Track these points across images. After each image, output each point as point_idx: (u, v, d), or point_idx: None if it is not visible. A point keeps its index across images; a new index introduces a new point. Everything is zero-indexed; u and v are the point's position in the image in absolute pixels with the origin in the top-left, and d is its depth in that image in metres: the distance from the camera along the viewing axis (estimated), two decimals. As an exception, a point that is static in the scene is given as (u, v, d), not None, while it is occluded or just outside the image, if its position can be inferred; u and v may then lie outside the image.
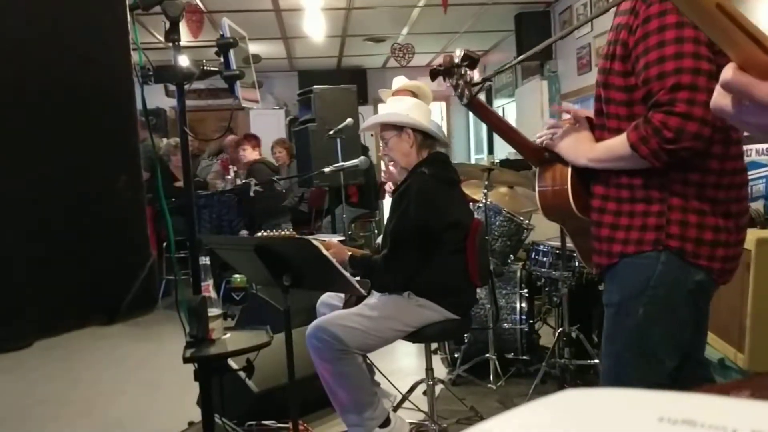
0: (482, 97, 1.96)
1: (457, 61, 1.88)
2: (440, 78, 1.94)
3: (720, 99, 0.75)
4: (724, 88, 0.72)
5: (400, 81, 3.05)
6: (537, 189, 1.96)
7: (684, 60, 1.57)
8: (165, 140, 6.89)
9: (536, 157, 1.96)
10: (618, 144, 1.70)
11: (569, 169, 1.86)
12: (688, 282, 1.70)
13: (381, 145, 2.97)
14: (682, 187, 1.67)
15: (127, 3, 0.84)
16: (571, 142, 1.85)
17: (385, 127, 2.88)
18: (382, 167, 3.10)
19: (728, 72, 0.71)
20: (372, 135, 8.52)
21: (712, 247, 1.67)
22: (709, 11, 0.66)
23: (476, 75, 1.93)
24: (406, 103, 2.92)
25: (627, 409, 0.34)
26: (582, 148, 1.83)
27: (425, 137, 2.90)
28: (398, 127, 2.86)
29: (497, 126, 2.04)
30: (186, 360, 2.15)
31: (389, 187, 3.14)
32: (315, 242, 2.23)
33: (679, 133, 1.55)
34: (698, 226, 1.66)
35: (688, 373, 1.83)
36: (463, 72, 1.88)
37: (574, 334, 3.57)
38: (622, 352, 1.79)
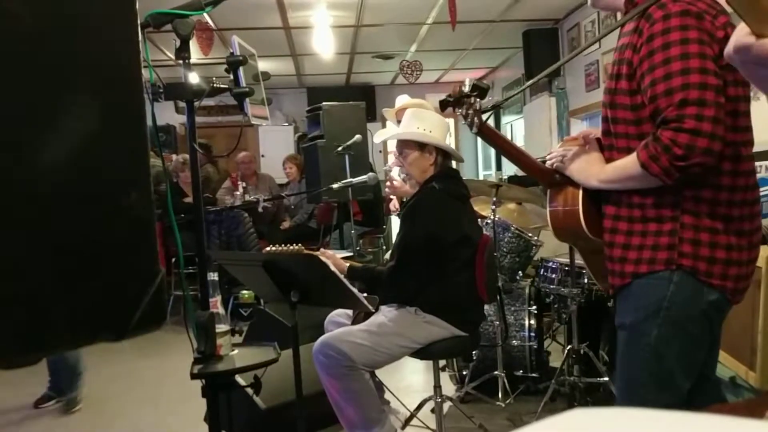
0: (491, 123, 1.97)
1: (466, 90, 1.89)
2: (452, 109, 1.96)
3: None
4: (739, 52, 0.73)
5: (403, 99, 3.05)
6: (548, 211, 1.96)
7: (691, 75, 1.56)
8: (174, 156, 6.93)
9: (546, 179, 1.96)
10: (628, 164, 1.69)
11: (580, 191, 1.85)
12: (702, 302, 1.68)
13: (395, 156, 2.96)
14: (694, 205, 1.66)
15: (139, 21, 0.85)
16: (581, 164, 1.85)
17: (407, 143, 2.88)
18: (387, 185, 3.09)
19: (744, 40, 0.73)
20: (380, 151, 8.54)
21: (725, 265, 1.66)
22: None
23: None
24: (429, 120, 2.91)
25: (634, 429, 0.34)
26: (592, 170, 1.82)
27: (444, 156, 2.91)
28: (421, 145, 2.86)
29: (507, 150, 2.05)
30: (193, 376, 2.14)
31: (394, 206, 3.14)
32: (323, 258, 2.23)
33: (689, 150, 1.55)
34: (711, 244, 1.65)
35: (701, 392, 1.81)
36: (472, 101, 1.89)
37: (583, 352, 3.54)
38: (636, 374, 1.77)
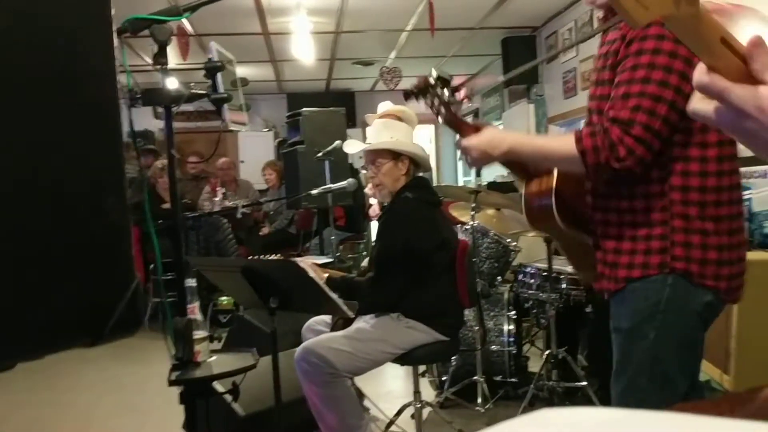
0: (470, 120, 1.97)
1: (432, 81, 1.91)
2: (415, 100, 1.97)
3: (697, 103, 0.76)
4: (701, 90, 0.73)
5: (386, 105, 3.07)
6: (522, 199, 1.98)
7: (649, 86, 1.61)
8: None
9: (523, 171, 1.98)
10: (562, 144, 1.73)
11: (554, 181, 1.87)
12: (697, 303, 1.70)
13: (369, 167, 2.97)
14: (683, 208, 1.68)
15: (115, 26, 0.85)
16: (485, 137, 1.86)
17: (381, 153, 2.89)
18: (367, 189, 3.11)
19: (703, 75, 0.72)
20: (360, 157, 8.54)
21: (718, 266, 1.68)
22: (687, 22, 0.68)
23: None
24: (400, 130, 2.93)
25: (599, 428, 0.35)
26: (504, 136, 1.85)
27: (416, 165, 2.93)
28: (395, 154, 2.87)
29: None
30: (171, 383, 2.13)
31: (374, 211, 3.16)
32: (301, 264, 2.23)
33: (629, 154, 1.60)
34: (702, 246, 1.67)
35: (687, 394, 1.83)
36: (439, 92, 1.90)
37: (561, 356, 3.57)
38: (635, 377, 1.78)
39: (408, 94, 1.97)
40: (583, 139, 1.66)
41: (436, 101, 1.91)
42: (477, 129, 1.91)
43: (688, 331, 1.73)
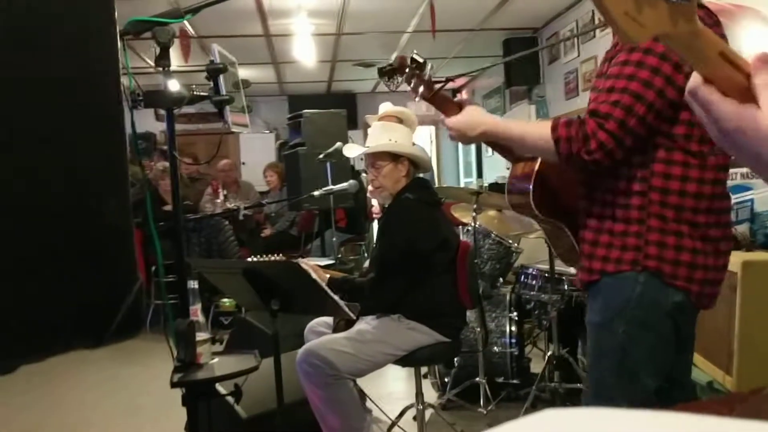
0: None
1: (409, 61, 1.93)
2: (388, 79, 1.98)
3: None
4: (690, 98, 0.73)
5: (386, 106, 3.07)
6: (507, 184, 2.01)
7: (633, 83, 1.63)
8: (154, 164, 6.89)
9: (510, 153, 2.00)
10: (538, 131, 1.74)
11: (536, 168, 1.89)
12: (667, 303, 1.72)
13: (369, 170, 2.97)
14: (660, 209, 1.70)
15: (118, 28, 0.85)
16: (464, 117, 1.88)
17: (381, 155, 2.89)
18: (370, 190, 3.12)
19: (693, 84, 0.72)
20: (362, 159, 8.53)
21: (690, 269, 1.69)
22: (685, 40, 0.67)
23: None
24: (396, 131, 2.93)
25: (603, 428, 0.35)
26: (483, 119, 1.86)
27: (415, 166, 2.94)
28: (395, 156, 2.88)
29: None
30: (173, 384, 2.13)
31: (376, 209, 3.17)
32: (304, 266, 2.23)
33: (601, 147, 1.63)
34: (676, 247, 1.69)
35: (672, 395, 1.84)
36: (417, 71, 1.91)
37: (563, 358, 3.56)
38: (604, 371, 1.82)
39: (383, 72, 1.98)
40: (558, 128, 1.68)
41: (415, 79, 1.92)
42: (459, 107, 1.92)
43: (658, 329, 1.75)
